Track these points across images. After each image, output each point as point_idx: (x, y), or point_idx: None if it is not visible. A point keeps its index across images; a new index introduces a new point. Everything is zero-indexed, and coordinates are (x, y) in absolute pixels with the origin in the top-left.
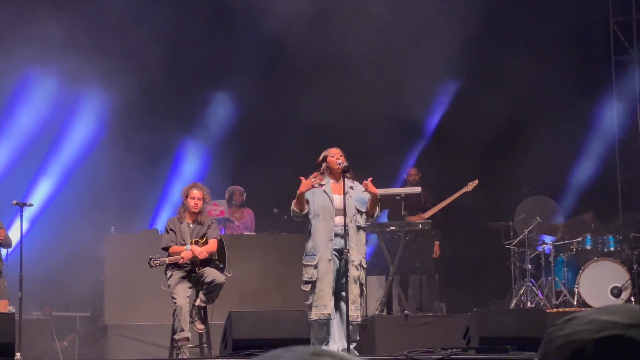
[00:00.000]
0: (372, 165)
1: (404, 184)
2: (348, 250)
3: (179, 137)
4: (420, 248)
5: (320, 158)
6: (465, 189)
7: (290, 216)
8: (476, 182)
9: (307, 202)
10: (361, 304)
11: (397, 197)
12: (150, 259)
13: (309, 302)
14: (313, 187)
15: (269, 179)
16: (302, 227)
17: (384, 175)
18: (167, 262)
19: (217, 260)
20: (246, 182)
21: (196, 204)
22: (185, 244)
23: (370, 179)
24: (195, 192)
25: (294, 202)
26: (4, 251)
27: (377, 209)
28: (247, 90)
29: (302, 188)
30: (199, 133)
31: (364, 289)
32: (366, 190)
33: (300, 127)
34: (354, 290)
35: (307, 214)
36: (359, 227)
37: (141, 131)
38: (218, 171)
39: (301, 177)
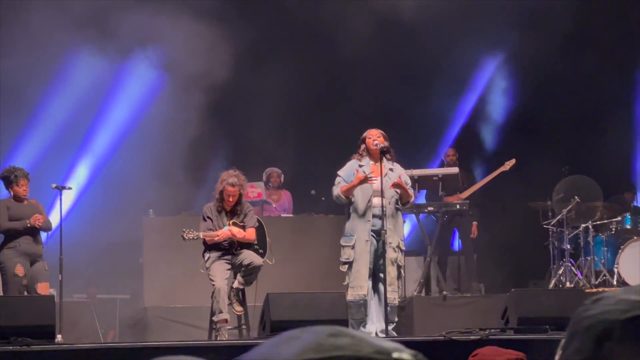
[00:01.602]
0: (410, 147)
1: (442, 165)
2: (385, 231)
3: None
4: (458, 228)
5: (360, 139)
6: (502, 169)
7: (333, 199)
8: (513, 161)
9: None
10: (399, 287)
11: (434, 178)
12: (183, 231)
13: (346, 283)
14: (367, 181)
15: (306, 160)
16: (340, 208)
17: (421, 156)
18: (202, 238)
19: (257, 245)
20: (283, 163)
21: (232, 201)
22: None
23: (400, 174)
24: (230, 190)
25: (341, 189)
26: (44, 235)
27: (410, 200)
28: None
29: (357, 182)
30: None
31: (402, 271)
32: (392, 186)
33: (341, 108)
34: (391, 272)
35: (349, 199)
36: (397, 209)
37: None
38: (254, 152)
39: (357, 169)
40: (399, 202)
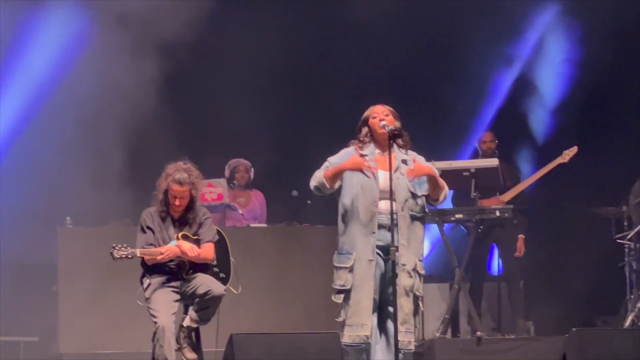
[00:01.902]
0: (432, 131)
1: (475, 155)
2: (397, 248)
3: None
4: (498, 244)
5: (361, 120)
6: (560, 160)
7: (312, 191)
8: (574, 150)
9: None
10: (416, 325)
11: (464, 173)
12: (113, 248)
13: (341, 319)
14: (361, 171)
15: (287, 149)
16: (333, 216)
17: (446, 143)
18: (140, 256)
19: (215, 266)
20: (255, 153)
21: (179, 205)
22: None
23: (413, 158)
24: (177, 190)
25: (325, 172)
26: None
27: (443, 192)
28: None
29: (348, 164)
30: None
31: (420, 304)
32: (413, 176)
33: (338, 81)
34: (404, 305)
35: (334, 193)
36: (413, 217)
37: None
38: (216, 137)
39: (356, 147)
40: (427, 197)
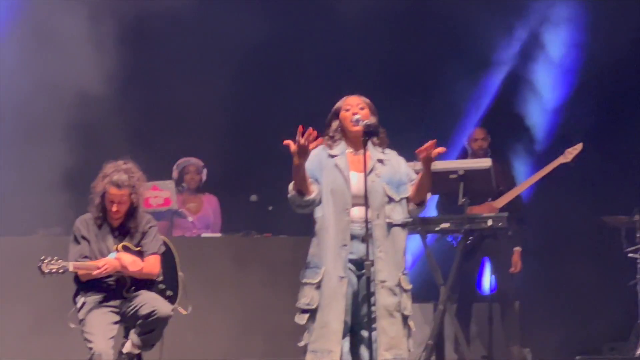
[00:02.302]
0: (412, 125)
1: (464, 155)
2: (372, 262)
3: None
4: (490, 258)
5: (332, 112)
6: (562, 159)
7: (291, 208)
8: (579, 147)
9: (316, 181)
10: (409, 349)
11: (451, 176)
12: (42, 260)
13: (303, 344)
14: (307, 148)
15: (246, 147)
16: (299, 226)
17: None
18: (73, 271)
19: (161, 283)
20: (208, 151)
21: (118, 211)
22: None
23: (431, 142)
24: (116, 194)
25: (294, 182)
26: None
27: (427, 196)
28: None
29: (294, 154)
30: None
31: (411, 324)
32: (422, 158)
33: (310, 70)
34: (388, 328)
35: (315, 201)
36: (391, 226)
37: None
38: (162, 131)
39: (300, 127)
40: (410, 200)
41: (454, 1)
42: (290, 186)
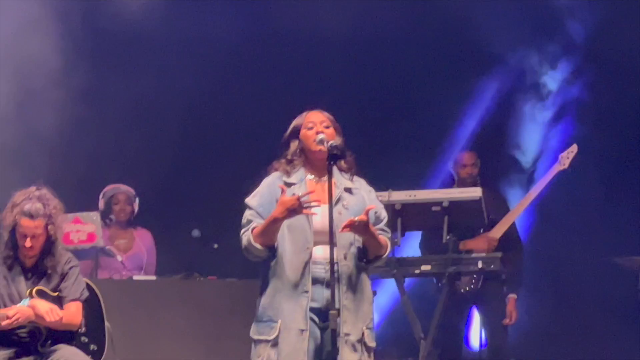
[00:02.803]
0: (388, 148)
1: (449, 183)
2: (338, 311)
3: None
4: (480, 307)
5: (289, 132)
6: (558, 167)
7: (245, 253)
8: (574, 149)
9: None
10: None
11: (434, 208)
12: None
13: None
14: (300, 210)
15: (186, 173)
16: (251, 264)
17: (409, 166)
18: None
19: (84, 335)
20: (142, 178)
21: (32, 247)
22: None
23: (350, 221)
24: (28, 226)
25: (256, 230)
26: None
27: (383, 250)
28: None
29: (279, 212)
30: None
31: None
32: (352, 227)
33: (265, 87)
34: None
35: (274, 249)
36: (361, 268)
37: None
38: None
39: (281, 186)
40: (365, 256)
41: (448, 20)
42: (252, 237)
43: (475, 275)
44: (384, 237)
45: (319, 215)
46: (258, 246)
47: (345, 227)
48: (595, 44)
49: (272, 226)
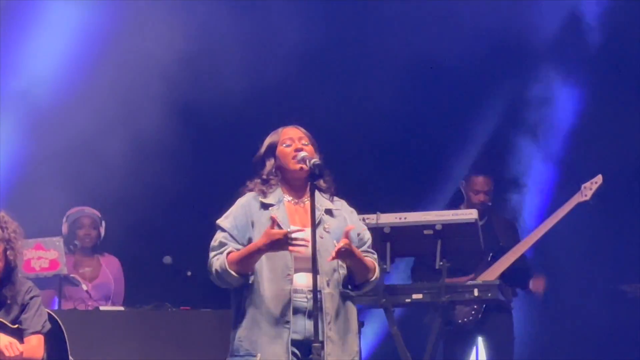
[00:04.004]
0: (379, 165)
1: (457, 199)
2: (322, 344)
3: None
4: (485, 339)
5: (263, 149)
6: (579, 198)
7: (211, 277)
8: (599, 180)
9: (242, 245)
10: None
11: (426, 232)
12: None
13: None
14: (281, 246)
15: (156, 195)
16: (227, 293)
17: (404, 185)
18: None
19: None
20: (110, 200)
21: None
22: None
23: (339, 246)
24: None
25: (232, 257)
26: None
27: (370, 274)
28: None
29: (264, 245)
30: None
31: None
32: (339, 254)
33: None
34: None
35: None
36: (345, 297)
37: None
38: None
39: (273, 217)
40: (352, 282)
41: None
42: (227, 263)
43: (475, 305)
44: (371, 260)
45: (304, 242)
46: (233, 273)
47: (334, 257)
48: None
49: (253, 256)
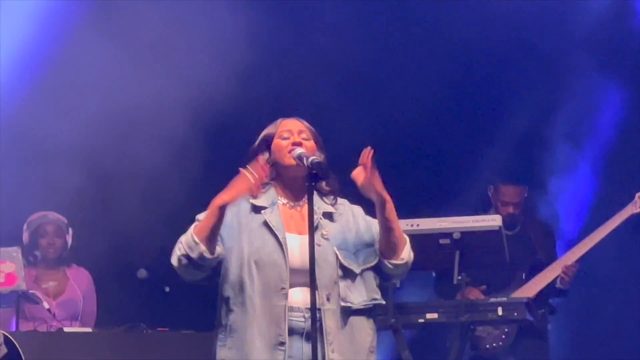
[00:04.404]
0: (395, 164)
1: (489, 209)
2: None
3: None
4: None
5: (258, 142)
6: (632, 209)
7: (178, 272)
8: None
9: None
10: None
11: (442, 241)
12: None
13: None
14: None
15: (131, 196)
16: (210, 312)
17: (422, 190)
18: None
19: None
20: (76, 202)
21: None
22: None
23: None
24: None
25: (195, 229)
26: None
27: (405, 247)
28: None
29: (230, 193)
30: None
31: None
32: (365, 182)
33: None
34: None
35: (215, 264)
36: (348, 312)
37: None
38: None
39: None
40: (381, 257)
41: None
42: (189, 237)
43: (506, 328)
44: (399, 226)
45: (297, 250)
46: (199, 242)
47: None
48: None
49: (217, 216)
